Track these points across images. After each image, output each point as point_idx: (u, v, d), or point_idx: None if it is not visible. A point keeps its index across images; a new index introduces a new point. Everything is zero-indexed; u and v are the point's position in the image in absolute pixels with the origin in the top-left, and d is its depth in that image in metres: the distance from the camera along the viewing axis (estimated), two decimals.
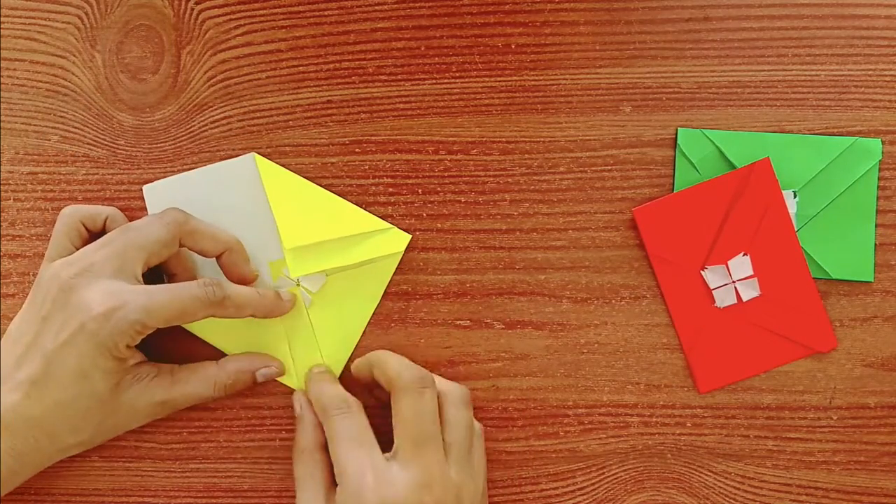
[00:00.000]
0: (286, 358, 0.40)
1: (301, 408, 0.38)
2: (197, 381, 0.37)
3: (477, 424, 0.37)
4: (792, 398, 0.39)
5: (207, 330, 0.39)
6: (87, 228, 0.38)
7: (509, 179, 0.40)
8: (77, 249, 0.37)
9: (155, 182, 0.40)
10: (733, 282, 0.39)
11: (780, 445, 0.39)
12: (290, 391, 0.40)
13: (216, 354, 0.40)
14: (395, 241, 0.40)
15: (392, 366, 0.35)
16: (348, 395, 0.36)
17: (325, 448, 0.36)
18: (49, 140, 0.41)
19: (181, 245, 0.37)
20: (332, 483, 0.35)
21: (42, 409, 0.34)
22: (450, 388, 0.36)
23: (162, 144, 0.41)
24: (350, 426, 0.34)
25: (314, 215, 0.40)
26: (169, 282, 0.39)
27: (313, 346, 0.40)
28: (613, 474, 0.40)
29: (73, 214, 0.38)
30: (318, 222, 0.40)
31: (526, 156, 0.40)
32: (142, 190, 0.40)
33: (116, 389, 0.35)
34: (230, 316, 0.37)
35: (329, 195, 0.40)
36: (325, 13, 0.41)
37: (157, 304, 0.34)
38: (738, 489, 0.39)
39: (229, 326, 0.39)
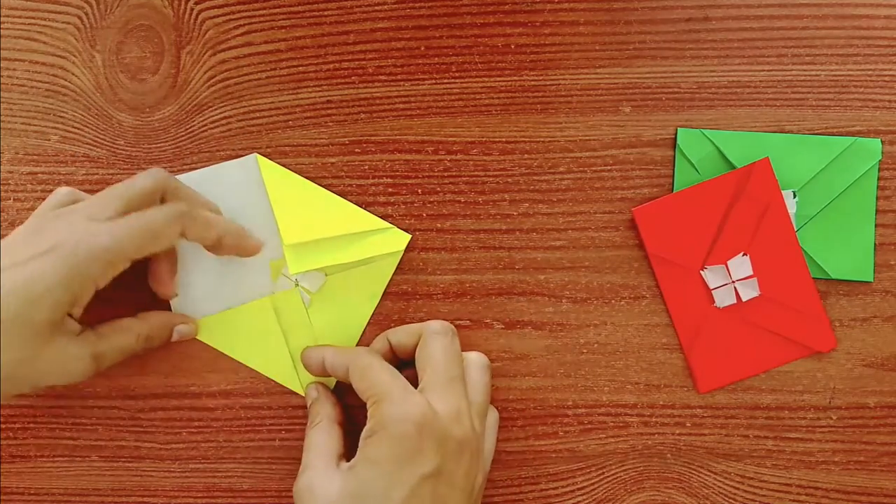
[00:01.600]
0: (286, 358, 0.40)
1: (317, 391, 0.39)
2: (119, 333, 0.37)
3: (494, 413, 0.38)
4: (792, 398, 0.39)
5: (205, 332, 0.40)
6: None
7: (509, 179, 0.40)
8: None
9: None
10: (733, 282, 0.39)
11: (779, 445, 0.39)
12: (290, 392, 0.40)
13: (212, 355, 0.40)
14: (395, 240, 0.40)
15: (417, 324, 0.37)
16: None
17: (342, 424, 0.37)
18: (49, 140, 0.41)
19: (163, 201, 0.37)
20: (343, 456, 0.36)
21: None
22: (472, 354, 0.37)
23: (162, 144, 0.41)
24: (380, 362, 0.36)
25: (314, 214, 0.40)
26: (151, 266, 0.39)
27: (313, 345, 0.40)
28: (613, 474, 0.40)
29: (69, 195, 0.37)
30: (318, 221, 0.40)
31: (526, 156, 0.40)
32: None
33: (49, 330, 0.34)
34: (200, 236, 0.37)
35: (329, 195, 0.40)
36: (325, 13, 0.41)
37: (126, 228, 0.34)
38: (738, 489, 0.39)
39: (227, 328, 0.39)
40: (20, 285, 0.32)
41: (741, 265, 0.39)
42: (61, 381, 0.35)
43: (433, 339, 0.36)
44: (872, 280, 0.39)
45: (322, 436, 0.36)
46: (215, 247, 0.38)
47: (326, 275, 0.40)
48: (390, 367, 0.35)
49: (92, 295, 0.34)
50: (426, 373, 0.35)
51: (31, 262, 0.33)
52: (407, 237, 0.40)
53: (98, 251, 0.33)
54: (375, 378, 0.34)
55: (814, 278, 0.39)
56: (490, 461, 0.37)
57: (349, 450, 0.35)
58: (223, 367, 0.40)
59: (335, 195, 0.40)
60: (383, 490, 0.32)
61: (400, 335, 0.37)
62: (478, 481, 0.35)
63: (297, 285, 0.40)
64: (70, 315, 0.35)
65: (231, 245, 0.38)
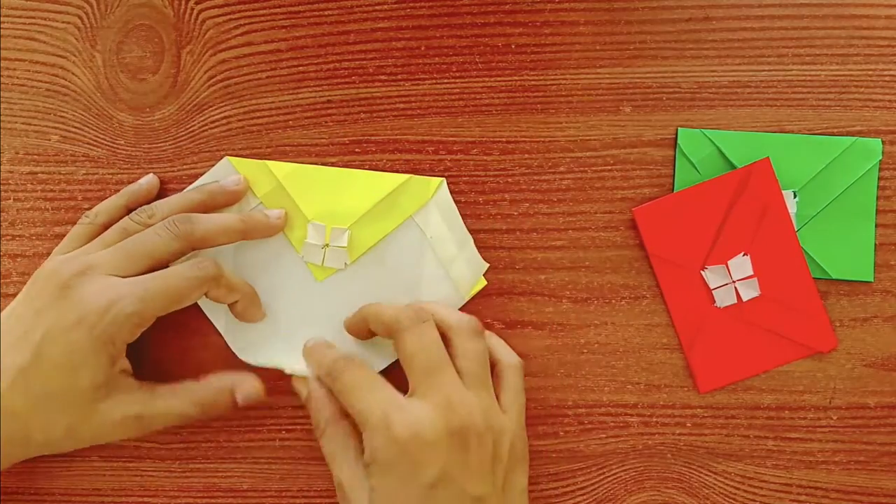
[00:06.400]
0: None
1: (307, 389, 0.37)
2: (177, 397, 0.36)
3: (515, 359, 0.37)
4: (792, 398, 0.39)
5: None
6: None
7: (509, 179, 0.40)
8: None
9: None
10: (733, 282, 0.39)
11: (780, 445, 0.39)
12: (290, 392, 0.40)
13: (212, 355, 0.40)
14: (424, 187, 0.39)
15: (388, 313, 0.35)
16: (347, 353, 0.37)
17: (346, 415, 0.36)
18: (49, 140, 0.41)
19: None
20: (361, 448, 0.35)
21: (24, 400, 0.34)
22: (456, 320, 0.36)
23: (162, 144, 0.41)
24: (360, 376, 0.35)
25: (335, 194, 0.39)
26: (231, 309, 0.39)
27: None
28: (613, 474, 0.40)
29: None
30: (343, 200, 0.39)
31: (526, 156, 0.40)
32: None
33: (96, 394, 0.34)
34: (222, 298, 0.37)
35: (338, 170, 0.40)
36: (325, 13, 0.41)
37: (151, 292, 0.34)
38: (738, 489, 0.39)
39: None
40: (63, 357, 0.34)
41: (741, 265, 0.39)
42: (101, 440, 0.36)
43: (403, 336, 0.34)
44: (873, 280, 0.39)
45: (331, 444, 0.35)
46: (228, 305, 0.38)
47: (349, 228, 0.39)
48: (369, 380, 0.34)
49: (124, 350, 0.35)
50: (409, 374, 0.34)
51: (67, 333, 0.34)
52: (437, 181, 0.39)
53: (122, 317, 0.34)
54: (354, 402, 0.34)
55: (814, 278, 0.39)
56: (519, 410, 0.36)
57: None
58: (223, 367, 0.40)
59: (341, 168, 0.40)
60: None
61: (356, 325, 0.37)
62: (502, 450, 0.34)
63: (326, 246, 0.39)
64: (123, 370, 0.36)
65: (241, 311, 0.38)
